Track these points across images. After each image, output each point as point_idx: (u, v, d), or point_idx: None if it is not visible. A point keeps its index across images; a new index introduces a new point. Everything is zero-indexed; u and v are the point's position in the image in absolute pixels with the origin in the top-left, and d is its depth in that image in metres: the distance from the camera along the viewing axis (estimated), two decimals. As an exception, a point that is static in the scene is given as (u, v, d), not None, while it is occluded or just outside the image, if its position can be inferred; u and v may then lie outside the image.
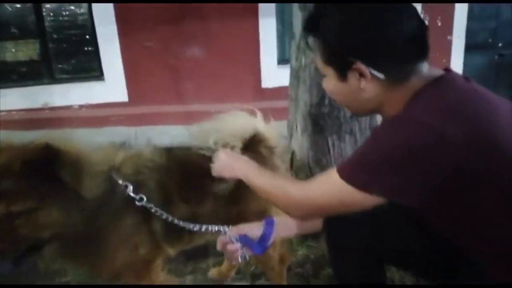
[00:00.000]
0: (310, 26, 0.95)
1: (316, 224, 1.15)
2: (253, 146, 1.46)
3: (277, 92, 5.10)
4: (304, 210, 0.99)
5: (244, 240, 1.05)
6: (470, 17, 6.08)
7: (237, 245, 1.05)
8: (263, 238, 1.07)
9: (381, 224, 1.10)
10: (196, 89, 5.55)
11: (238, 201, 1.39)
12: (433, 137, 0.79)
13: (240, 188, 1.32)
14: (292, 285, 1.67)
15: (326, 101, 1.96)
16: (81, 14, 5.28)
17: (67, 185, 1.06)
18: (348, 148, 2.00)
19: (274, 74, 5.66)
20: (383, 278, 1.21)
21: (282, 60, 5.77)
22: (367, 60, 0.87)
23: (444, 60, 6.20)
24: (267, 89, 5.59)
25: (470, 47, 6.25)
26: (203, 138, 1.45)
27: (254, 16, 5.51)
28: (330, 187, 0.93)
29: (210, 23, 5.37)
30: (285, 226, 1.12)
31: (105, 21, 5.15)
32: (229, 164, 1.19)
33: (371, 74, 0.88)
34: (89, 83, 5.33)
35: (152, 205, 1.20)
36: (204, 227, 1.18)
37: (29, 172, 1.00)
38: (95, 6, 5.13)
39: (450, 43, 6.22)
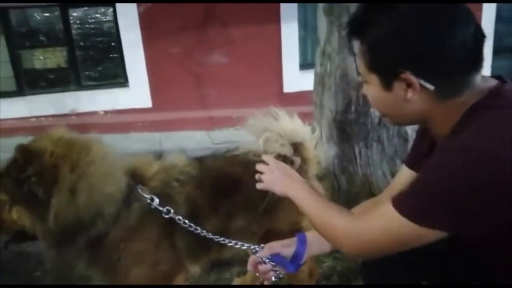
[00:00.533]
0: (355, 30, 0.87)
1: None
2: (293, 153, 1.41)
3: (300, 97, 5.06)
4: (355, 245, 0.90)
5: (276, 259, 1.01)
6: (498, 19, 5.92)
7: (269, 265, 1.01)
8: (296, 256, 1.01)
9: None
10: (219, 95, 5.58)
11: (270, 213, 1.35)
12: (495, 166, 0.73)
13: (272, 200, 1.28)
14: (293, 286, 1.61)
15: (353, 108, 1.91)
16: (107, 21, 5.39)
17: (38, 195, 1.06)
18: (375, 156, 1.95)
19: (296, 79, 5.64)
20: None
21: (304, 64, 5.74)
22: (417, 70, 0.80)
23: (471, 64, 6.02)
24: (289, 94, 5.57)
25: (498, 50, 6.06)
26: (254, 134, 1.42)
27: (276, 21, 5.51)
28: (387, 223, 0.84)
29: (233, 29, 5.40)
30: (318, 243, 1.05)
31: (130, 28, 5.24)
32: (281, 180, 1.07)
33: (420, 85, 0.81)
34: (114, 89, 5.43)
35: (180, 217, 1.17)
36: (234, 243, 1.15)
37: (10, 171, 1.08)
38: (120, 14, 5.23)
39: (478, 46, 6.05)
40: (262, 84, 5.59)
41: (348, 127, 1.94)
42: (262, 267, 1.01)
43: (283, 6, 5.46)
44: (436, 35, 0.78)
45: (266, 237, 1.34)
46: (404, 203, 0.82)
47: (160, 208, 1.16)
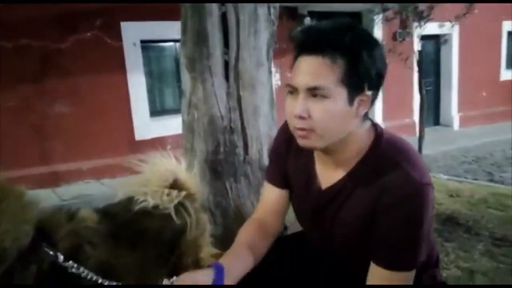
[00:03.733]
0: (329, 45, 0.93)
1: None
2: (173, 195, 1.49)
3: (152, 143, 5.19)
4: None
5: None
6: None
7: None
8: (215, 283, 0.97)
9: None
10: (66, 148, 5.25)
11: (174, 252, 1.43)
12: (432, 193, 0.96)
13: (177, 239, 1.41)
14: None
15: (221, 149, 2.21)
16: None
17: None
18: (244, 189, 2.26)
19: (147, 126, 5.74)
20: None
21: (154, 112, 5.92)
22: (373, 89, 0.96)
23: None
24: (141, 141, 5.61)
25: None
26: (119, 191, 1.49)
27: (122, 71, 5.57)
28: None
29: (76, 79, 5.24)
30: (237, 266, 1.05)
31: None
32: None
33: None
34: None
35: (83, 269, 1.12)
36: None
37: None
38: None
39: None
40: (112, 133, 5.51)
41: (219, 166, 2.22)
42: None
43: (128, 56, 5.59)
44: (383, 59, 0.98)
45: (172, 275, 1.45)
46: (410, 258, 0.96)
47: (66, 264, 1.11)
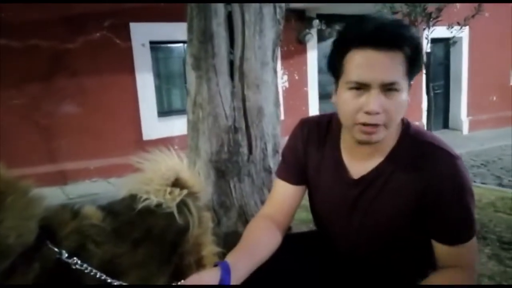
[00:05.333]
0: (395, 41, 0.93)
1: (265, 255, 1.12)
2: (175, 194, 1.49)
3: (159, 143, 5.20)
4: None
5: None
6: (320, 71, 7.22)
7: None
8: (222, 283, 0.96)
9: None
10: (74, 147, 5.30)
11: (176, 250, 1.43)
12: None
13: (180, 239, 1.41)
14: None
15: (225, 149, 2.21)
16: None
17: None
18: (247, 188, 2.26)
19: (154, 126, 5.77)
20: None
21: (162, 112, 5.95)
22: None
23: (303, 108, 7.14)
24: (149, 141, 5.64)
25: (322, 97, 7.34)
26: (122, 189, 1.49)
27: (130, 72, 5.62)
28: (475, 251, 1.06)
29: (85, 79, 5.29)
30: (244, 263, 1.03)
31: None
32: None
33: None
34: None
35: (87, 265, 1.12)
36: None
37: None
38: None
39: (306, 93, 7.23)
40: (120, 133, 5.55)
41: (223, 166, 2.22)
42: None
43: (136, 57, 5.63)
44: None
45: (175, 273, 1.42)
46: (471, 228, 1.01)
47: (69, 261, 1.10)
